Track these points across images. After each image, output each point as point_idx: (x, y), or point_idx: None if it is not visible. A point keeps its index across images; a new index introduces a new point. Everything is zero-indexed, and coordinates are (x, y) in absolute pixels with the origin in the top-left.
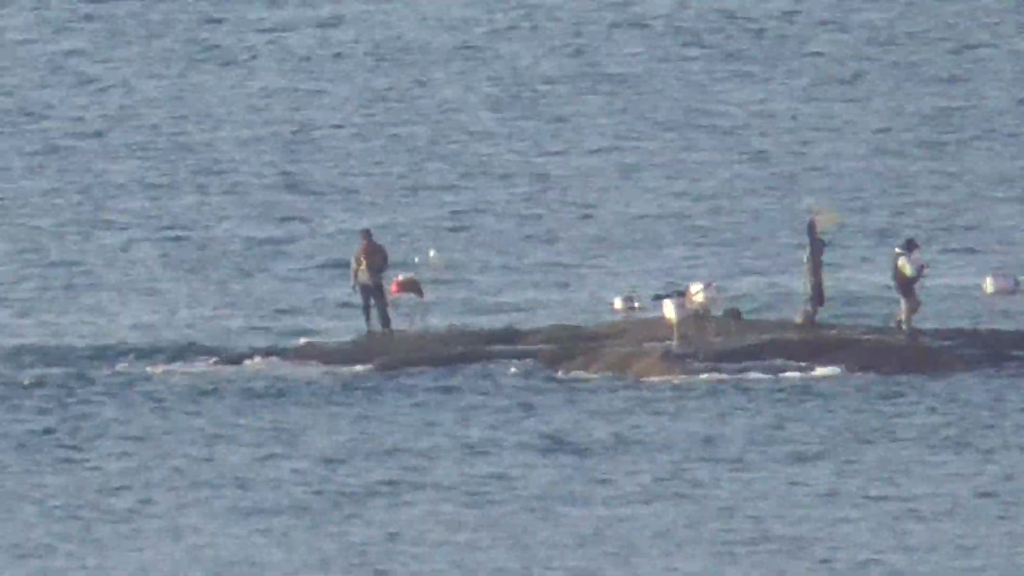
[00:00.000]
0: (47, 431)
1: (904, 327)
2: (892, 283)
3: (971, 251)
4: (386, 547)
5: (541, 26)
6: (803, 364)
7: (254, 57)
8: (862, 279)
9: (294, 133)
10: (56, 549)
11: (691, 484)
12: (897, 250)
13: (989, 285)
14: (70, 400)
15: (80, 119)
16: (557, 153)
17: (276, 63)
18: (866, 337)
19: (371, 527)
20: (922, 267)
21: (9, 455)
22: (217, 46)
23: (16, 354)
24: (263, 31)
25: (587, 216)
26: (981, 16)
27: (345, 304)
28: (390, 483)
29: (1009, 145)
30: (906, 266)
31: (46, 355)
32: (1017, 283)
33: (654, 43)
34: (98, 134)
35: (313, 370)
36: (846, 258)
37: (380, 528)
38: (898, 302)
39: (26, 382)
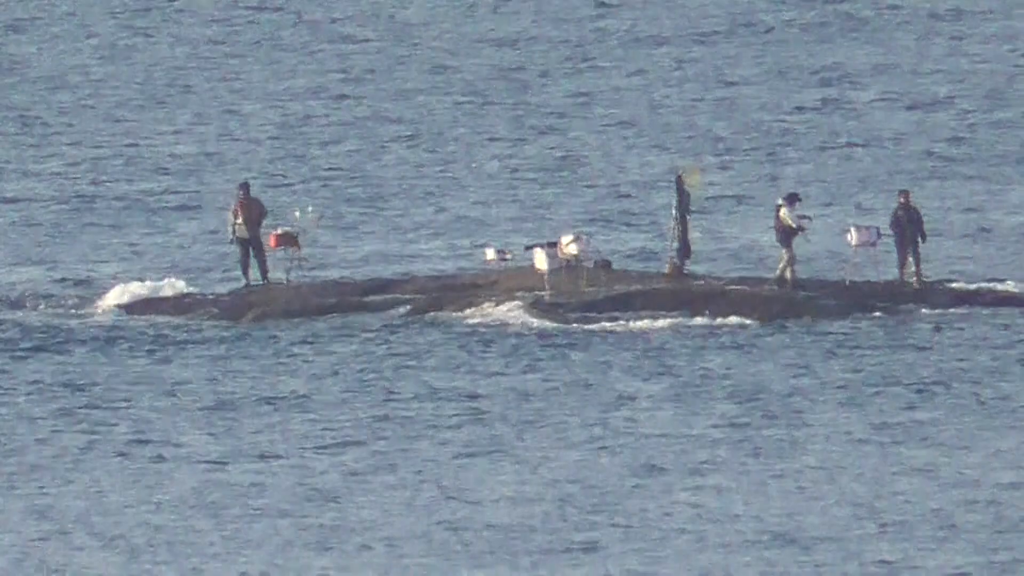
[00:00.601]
0: None
1: (776, 275)
2: (774, 233)
3: (837, 204)
4: (280, 497)
5: None
6: (672, 313)
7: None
8: (736, 232)
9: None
10: None
11: (570, 427)
12: (779, 202)
13: (853, 237)
14: None
15: None
16: (438, 105)
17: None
18: (733, 287)
19: (266, 477)
20: (802, 219)
21: None
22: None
23: None
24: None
25: (462, 169)
26: None
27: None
28: (272, 432)
29: (875, 107)
30: (787, 217)
31: None
32: (880, 235)
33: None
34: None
35: (192, 322)
36: (719, 211)
37: (272, 477)
38: (779, 250)
39: None
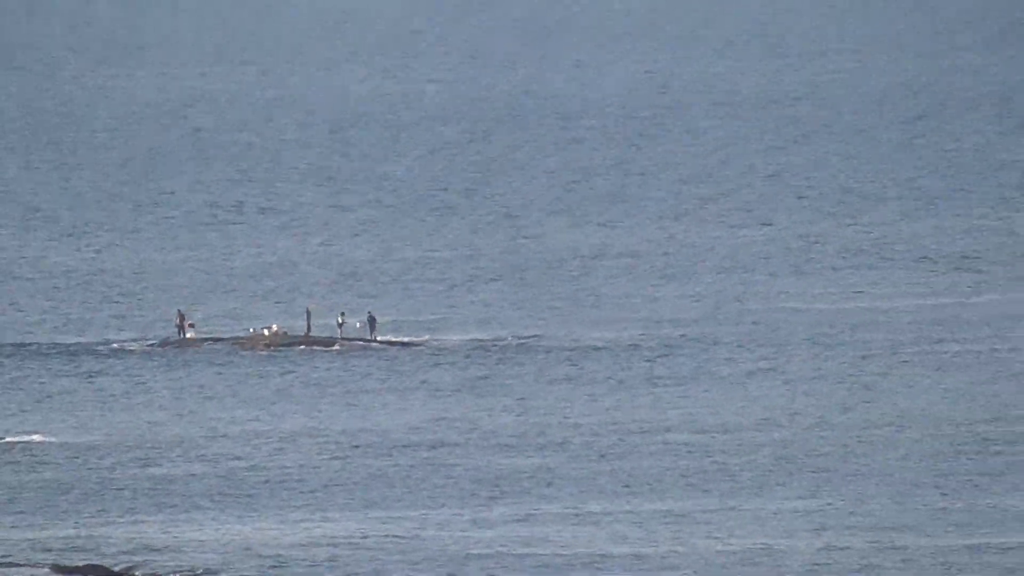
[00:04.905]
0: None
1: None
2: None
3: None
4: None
5: None
6: (303, 349)
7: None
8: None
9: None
10: None
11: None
12: (341, 312)
13: (342, 319)
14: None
15: None
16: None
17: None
18: (338, 342)
19: None
20: (345, 318)
21: None
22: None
23: None
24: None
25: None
26: None
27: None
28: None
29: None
30: (342, 319)
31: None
32: (371, 321)
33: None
34: None
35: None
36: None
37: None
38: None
39: None
